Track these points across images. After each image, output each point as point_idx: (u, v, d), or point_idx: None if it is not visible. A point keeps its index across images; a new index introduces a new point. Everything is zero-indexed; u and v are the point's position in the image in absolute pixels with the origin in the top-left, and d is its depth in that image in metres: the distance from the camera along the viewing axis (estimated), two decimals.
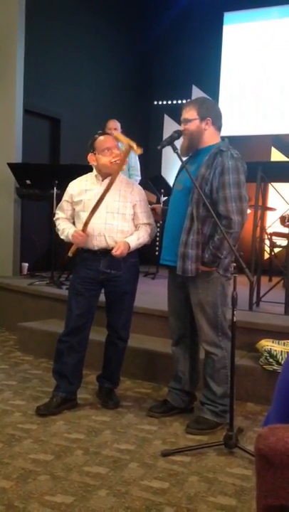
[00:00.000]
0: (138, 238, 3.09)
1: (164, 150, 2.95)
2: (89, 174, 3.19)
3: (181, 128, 2.91)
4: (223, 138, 2.94)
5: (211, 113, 2.89)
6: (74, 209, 3.14)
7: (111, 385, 3.31)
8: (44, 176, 5.12)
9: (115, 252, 3.00)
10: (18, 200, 5.63)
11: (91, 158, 3.09)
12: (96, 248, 3.06)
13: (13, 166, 5.31)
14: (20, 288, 5.00)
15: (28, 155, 5.72)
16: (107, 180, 3.07)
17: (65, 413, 3.07)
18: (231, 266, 2.72)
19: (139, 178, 5.51)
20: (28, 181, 5.26)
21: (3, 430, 2.80)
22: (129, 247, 3.03)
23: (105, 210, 3.04)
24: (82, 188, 3.13)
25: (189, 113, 2.88)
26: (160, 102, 8.32)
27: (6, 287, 5.15)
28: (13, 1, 5.45)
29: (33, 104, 5.94)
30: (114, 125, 5.41)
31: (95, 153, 3.07)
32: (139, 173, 5.54)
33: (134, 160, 5.43)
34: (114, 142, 3.10)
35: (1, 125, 5.59)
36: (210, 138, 2.89)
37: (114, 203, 3.06)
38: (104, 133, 3.25)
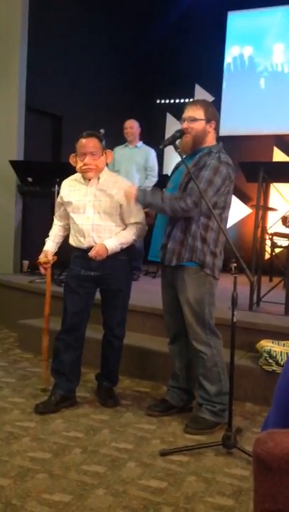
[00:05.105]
0: (119, 239, 3.05)
1: (165, 149, 2.95)
2: (78, 173, 3.15)
3: (183, 126, 2.90)
4: (218, 141, 2.97)
5: (215, 117, 2.95)
6: (66, 210, 3.15)
7: (110, 383, 3.31)
8: (46, 174, 5.11)
9: (90, 254, 2.99)
10: (19, 197, 5.62)
11: (72, 160, 3.09)
12: (86, 247, 3.06)
13: (14, 164, 5.31)
14: (20, 285, 5.00)
15: (29, 152, 5.72)
16: (94, 180, 3.06)
17: (63, 411, 3.08)
18: (217, 267, 2.76)
19: (156, 179, 5.48)
20: (29, 179, 5.26)
21: (2, 428, 2.81)
22: (107, 249, 3.00)
23: (92, 210, 3.04)
24: (71, 189, 3.14)
25: (197, 112, 2.88)
26: (162, 101, 8.30)
27: (7, 284, 5.15)
28: None
29: (35, 102, 5.93)
30: (130, 124, 5.43)
31: (76, 155, 3.07)
32: (156, 173, 5.53)
33: (152, 161, 5.44)
34: (93, 148, 2.98)
35: (3, 122, 5.59)
36: (210, 140, 2.92)
37: (101, 203, 3.04)
38: (89, 134, 3.04)
